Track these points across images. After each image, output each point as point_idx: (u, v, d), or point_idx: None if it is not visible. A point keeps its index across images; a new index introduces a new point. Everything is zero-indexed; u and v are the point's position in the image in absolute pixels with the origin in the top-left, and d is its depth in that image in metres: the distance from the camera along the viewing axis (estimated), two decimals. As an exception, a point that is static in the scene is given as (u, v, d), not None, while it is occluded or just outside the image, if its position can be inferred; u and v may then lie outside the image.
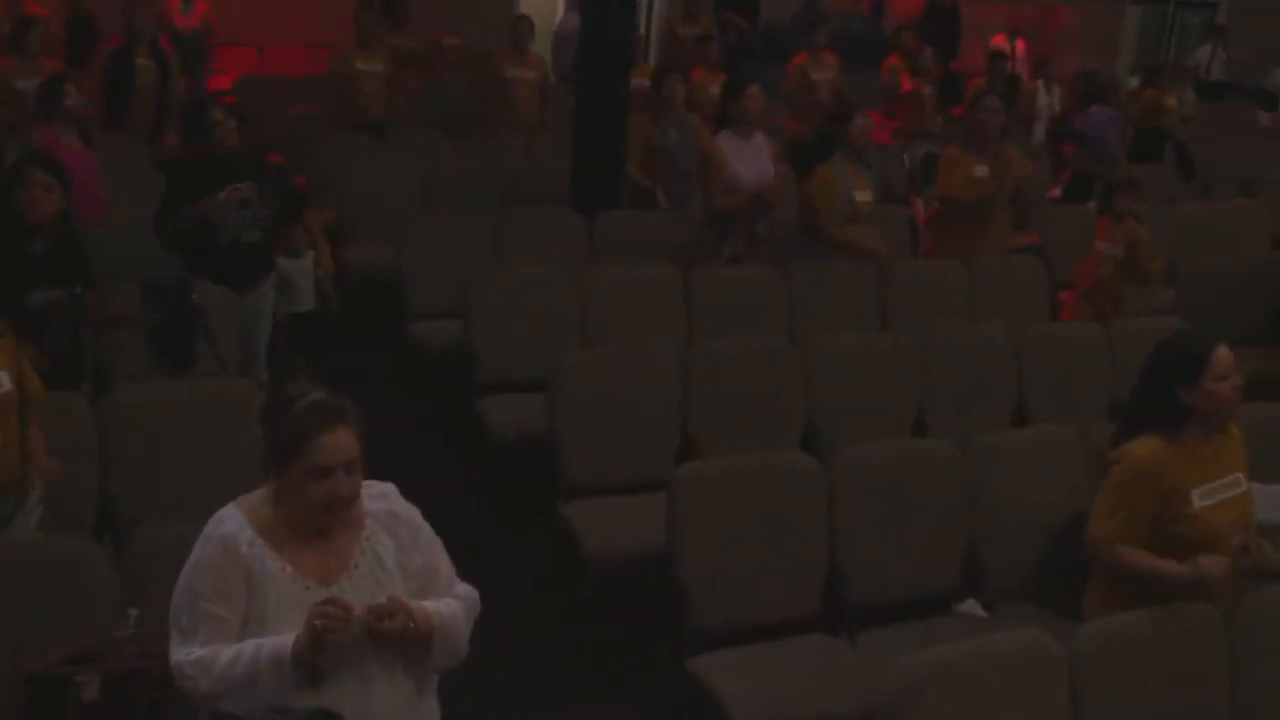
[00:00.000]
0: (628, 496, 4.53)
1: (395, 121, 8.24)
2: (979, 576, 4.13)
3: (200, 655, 2.57)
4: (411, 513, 2.77)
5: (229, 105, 5.60)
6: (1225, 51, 13.98)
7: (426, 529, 2.77)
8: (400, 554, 2.71)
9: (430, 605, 2.66)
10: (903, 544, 4.00)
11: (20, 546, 3.45)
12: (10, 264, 4.35)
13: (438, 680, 2.77)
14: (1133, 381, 5.28)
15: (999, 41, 12.20)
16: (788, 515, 3.91)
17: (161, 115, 7.92)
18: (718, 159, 6.15)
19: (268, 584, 2.61)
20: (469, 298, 5.48)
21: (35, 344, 4.05)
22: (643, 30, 11.66)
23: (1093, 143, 7.81)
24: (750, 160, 6.18)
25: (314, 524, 2.64)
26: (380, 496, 2.75)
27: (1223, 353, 3.29)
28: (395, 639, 2.58)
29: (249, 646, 2.56)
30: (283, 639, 2.55)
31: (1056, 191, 8.00)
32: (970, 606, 4.10)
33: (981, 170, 6.14)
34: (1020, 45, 12.37)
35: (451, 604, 2.72)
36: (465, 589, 2.79)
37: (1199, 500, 3.27)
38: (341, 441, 2.58)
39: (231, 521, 2.65)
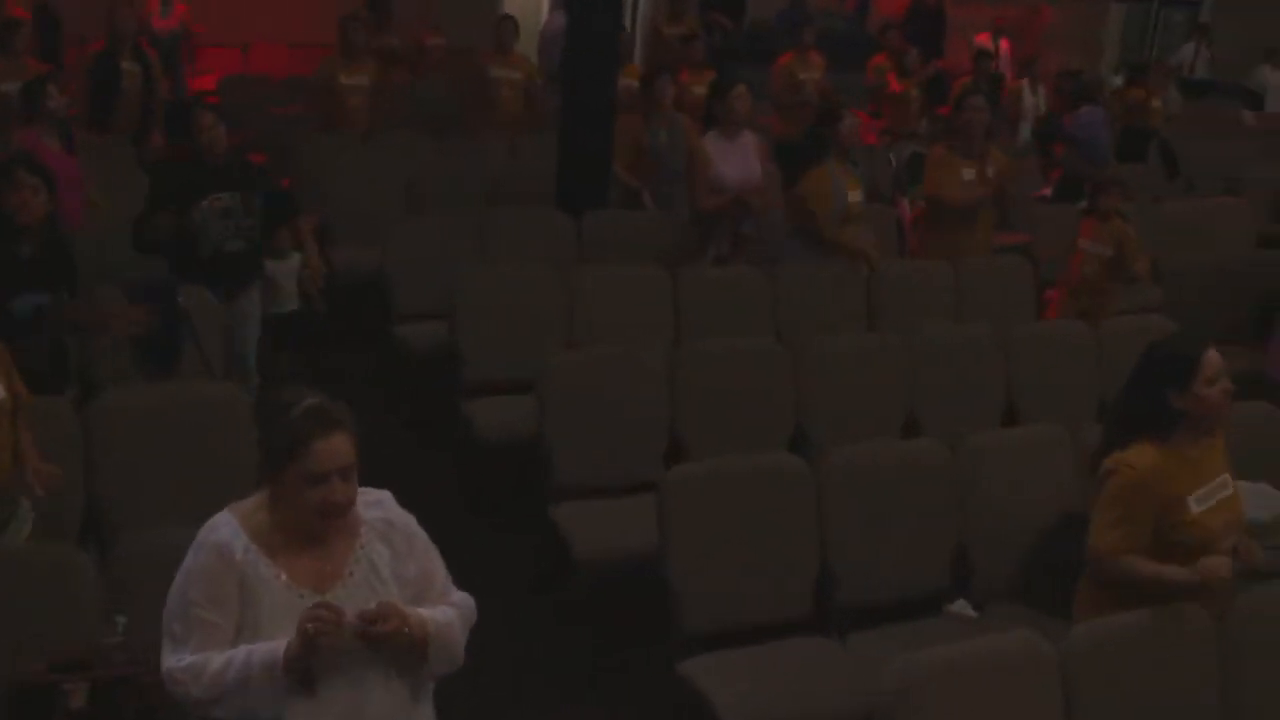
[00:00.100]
0: (616, 498, 4.52)
1: (379, 130, 8.19)
2: (969, 577, 4.13)
3: (192, 661, 2.55)
4: (407, 520, 2.75)
5: (218, 109, 5.54)
6: (1209, 50, 14.04)
7: (422, 536, 2.75)
8: (395, 562, 2.69)
9: (426, 612, 2.65)
10: (892, 545, 4.00)
11: (4, 553, 3.42)
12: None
13: (433, 687, 2.75)
14: (1121, 381, 5.35)
15: (983, 40, 12.24)
16: (777, 517, 3.90)
17: (146, 117, 7.88)
18: (702, 159, 6.16)
19: (261, 591, 2.58)
20: (454, 299, 5.46)
21: (20, 348, 4.01)
22: (627, 30, 11.64)
23: (1084, 144, 7.84)
24: (736, 161, 6.18)
25: (309, 530, 2.62)
26: (376, 504, 2.73)
27: (1212, 356, 3.27)
28: (390, 642, 2.56)
29: (240, 652, 2.54)
30: (275, 644, 2.53)
31: (1047, 191, 8.02)
32: (960, 607, 4.09)
33: (969, 171, 6.17)
34: (1004, 44, 12.41)
35: (447, 611, 2.70)
36: (461, 597, 2.78)
37: (1195, 505, 3.25)
38: (338, 447, 2.57)
39: (226, 527, 2.63)
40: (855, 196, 6.06)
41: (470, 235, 6.36)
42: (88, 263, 4.82)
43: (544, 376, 4.67)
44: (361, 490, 2.67)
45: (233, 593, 2.58)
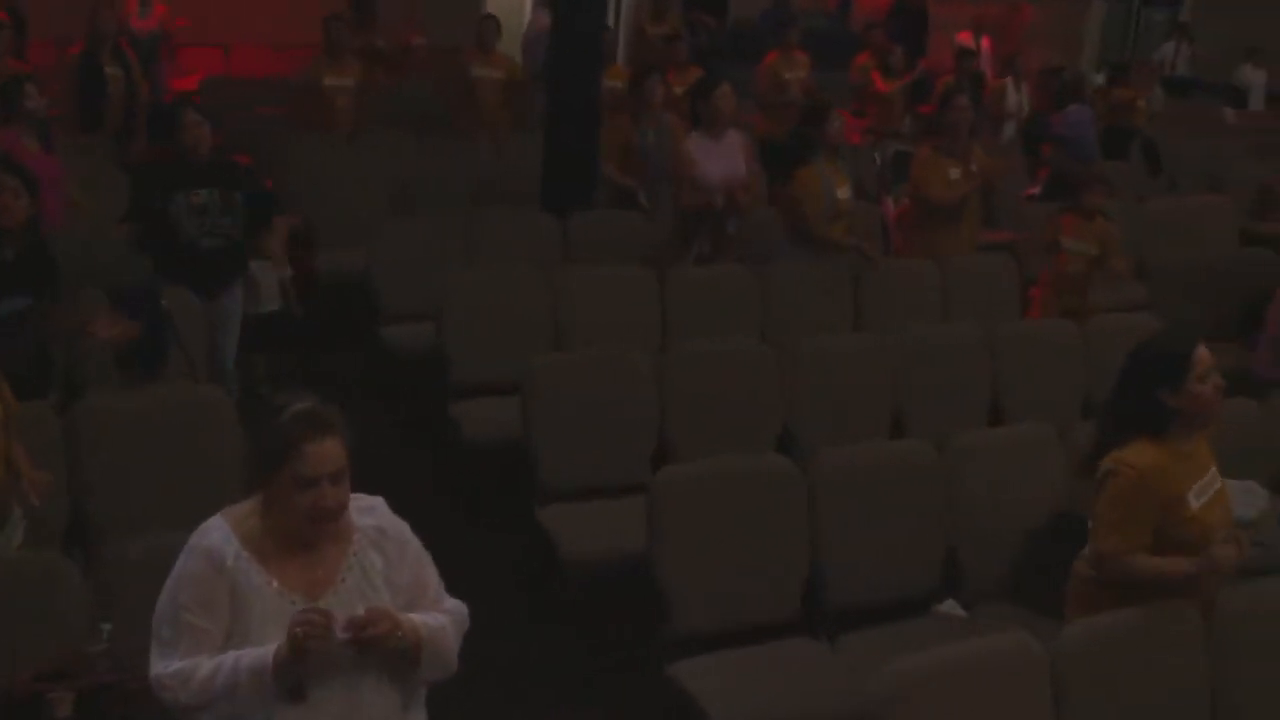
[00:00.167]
0: (604, 500, 4.51)
1: (364, 129, 8.15)
2: (958, 577, 4.13)
3: (180, 667, 2.53)
4: (400, 527, 2.73)
5: (202, 109, 5.51)
6: (1190, 48, 14.10)
7: (415, 543, 2.74)
8: (388, 569, 2.67)
9: (419, 618, 2.63)
10: (882, 545, 4.00)
11: (-12, 561, 3.40)
12: None
13: (425, 693, 2.74)
14: (1108, 380, 5.35)
15: (964, 39, 12.24)
16: (767, 518, 3.90)
17: (130, 119, 7.84)
18: (686, 159, 6.15)
19: (252, 597, 2.57)
20: (441, 300, 5.44)
21: (2, 353, 3.98)
22: (611, 29, 11.63)
23: (1072, 143, 7.86)
24: (720, 160, 6.17)
25: (300, 536, 2.60)
26: (369, 510, 2.71)
27: (1203, 352, 3.27)
28: (381, 645, 2.54)
29: (229, 658, 2.52)
30: (263, 650, 2.51)
31: (1035, 190, 8.03)
32: (949, 607, 4.09)
33: (955, 170, 6.19)
34: (985, 42, 12.42)
35: (440, 618, 2.69)
36: (454, 604, 2.76)
37: (1194, 501, 3.26)
38: (328, 451, 2.54)
39: (217, 533, 2.61)
40: (844, 193, 6.09)
41: (456, 236, 6.34)
42: (73, 263, 4.80)
43: (531, 378, 4.65)
44: (354, 497, 2.65)
45: (223, 599, 2.56)
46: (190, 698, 2.53)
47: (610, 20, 8.82)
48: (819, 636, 3.89)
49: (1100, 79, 12.17)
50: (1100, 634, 3.12)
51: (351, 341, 6.42)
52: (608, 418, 4.68)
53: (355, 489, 2.66)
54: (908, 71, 10.41)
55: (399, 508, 2.79)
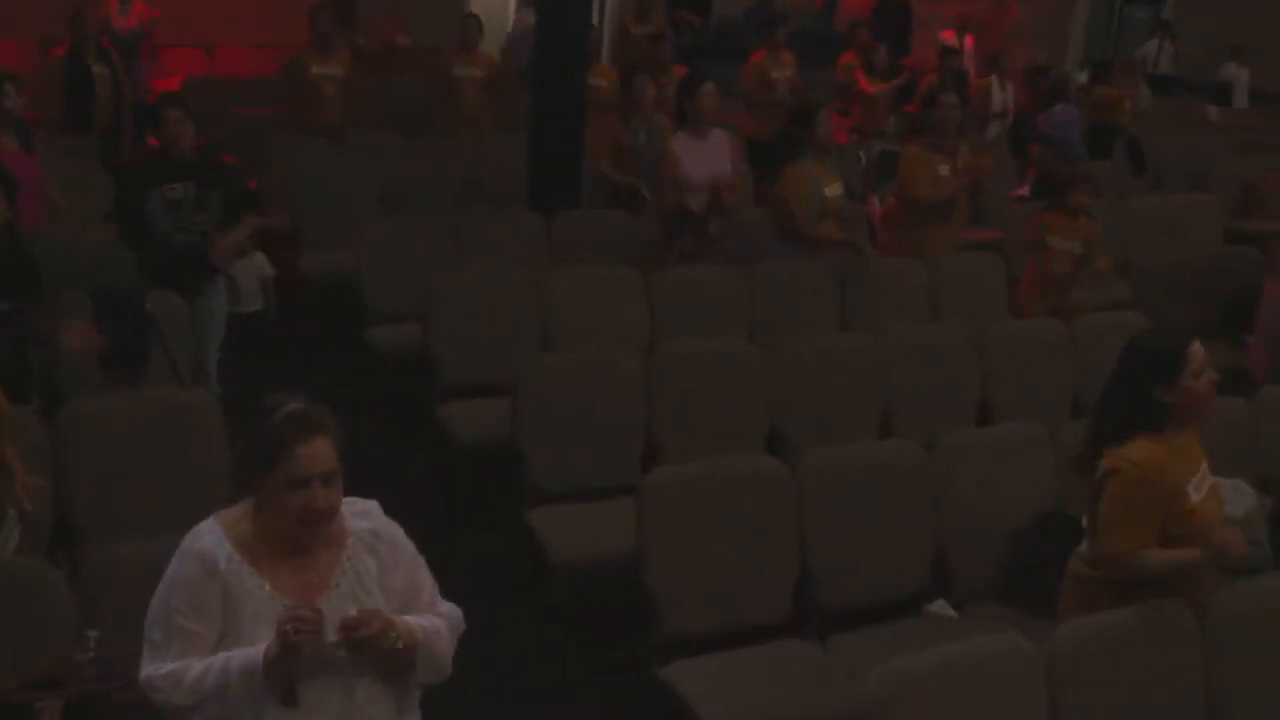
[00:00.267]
0: (593, 502, 4.49)
1: (352, 125, 8.12)
2: (948, 576, 4.12)
3: (172, 668, 2.52)
4: (394, 531, 2.72)
5: (186, 106, 5.48)
6: (1172, 46, 14.14)
7: (409, 547, 2.72)
8: (382, 573, 2.66)
9: (414, 620, 2.62)
10: (872, 546, 3.99)
11: (-28, 568, 3.36)
12: None
13: (419, 696, 2.72)
14: (1096, 379, 5.35)
15: (948, 37, 12.26)
16: (757, 519, 3.88)
17: (118, 118, 7.80)
18: (671, 157, 6.15)
19: (245, 600, 2.55)
20: (428, 301, 5.41)
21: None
22: (595, 28, 11.61)
23: (1059, 142, 7.88)
24: (705, 159, 6.17)
25: (293, 539, 2.58)
26: (362, 514, 2.70)
27: (1197, 349, 3.28)
28: (374, 645, 2.52)
29: (219, 658, 2.51)
30: (254, 650, 2.50)
31: (1024, 191, 8.05)
32: (940, 607, 4.09)
33: (944, 168, 6.19)
34: (969, 40, 12.44)
35: (435, 620, 2.68)
36: (449, 607, 2.75)
37: (1194, 494, 3.27)
38: (319, 452, 2.53)
39: (209, 536, 2.59)
40: (833, 191, 6.11)
41: (443, 237, 6.31)
42: (58, 264, 4.76)
43: (519, 379, 4.64)
44: (348, 500, 2.64)
45: (215, 602, 2.55)
46: (181, 698, 2.51)
47: (594, 19, 8.79)
48: (810, 637, 3.89)
49: (1083, 77, 12.19)
50: (1094, 634, 3.12)
51: (338, 342, 6.38)
52: (597, 418, 4.66)
53: (343, 492, 2.64)
54: (894, 74, 10.41)
55: (387, 510, 2.77)
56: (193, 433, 4.08)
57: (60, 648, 2.99)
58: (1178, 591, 3.26)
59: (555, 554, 4.26)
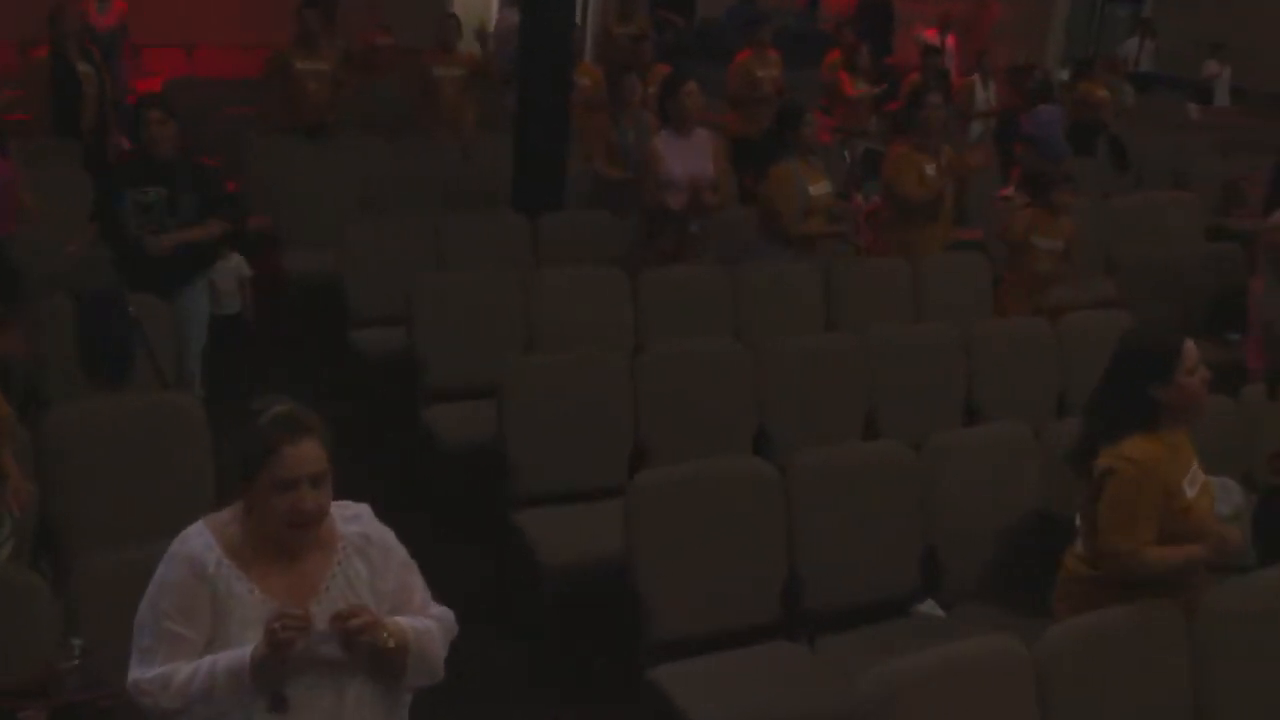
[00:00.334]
0: (580, 504, 4.48)
1: (336, 122, 8.07)
2: (936, 577, 4.12)
3: (160, 672, 2.50)
4: (385, 535, 2.70)
5: (169, 107, 5.43)
6: (1153, 43, 14.18)
7: (400, 551, 2.70)
8: (373, 577, 2.64)
9: (405, 621, 2.60)
10: (860, 547, 3.99)
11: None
12: None
13: (410, 700, 2.70)
14: (1081, 377, 5.36)
15: (930, 36, 12.28)
16: (745, 521, 3.87)
17: (105, 118, 7.74)
18: (653, 156, 6.15)
19: (234, 604, 2.53)
20: (412, 303, 5.38)
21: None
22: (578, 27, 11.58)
23: (1042, 142, 7.89)
24: (687, 158, 6.16)
25: (282, 542, 2.56)
26: (353, 518, 2.68)
27: (1190, 346, 3.30)
28: (365, 637, 2.50)
29: (206, 661, 2.49)
30: (240, 651, 2.48)
31: (1009, 191, 8.05)
32: (929, 607, 4.09)
33: (930, 168, 6.20)
34: (950, 39, 12.46)
35: (427, 622, 2.66)
36: (441, 610, 2.73)
37: (1189, 490, 3.28)
38: (307, 453, 2.51)
39: (198, 539, 2.57)
40: (820, 190, 6.12)
41: (427, 238, 6.28)
42: (42, 267, 4.72)
43: (504, 381, 4.61)
44: (339, 504, 2.62)
45: (204, 606, 2.53)
46: (169, 702, 2.49)
47: (577, 18, 8.77)
48: (799, 639, 3.88)
49: (1064, 76, 12.21)
50: (1084, 634, 3.12)
51: (321, 344, 6.35)
52: (583, 420, 4.64)
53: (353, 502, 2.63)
54: (877, 74, 10.40)
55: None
56: (177, 437, 4.05)
57: (44, 656, 2.96)
58: (1177, 589, 3.26)
59: (543, 557, 4.24)
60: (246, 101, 9.03)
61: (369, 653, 2.53)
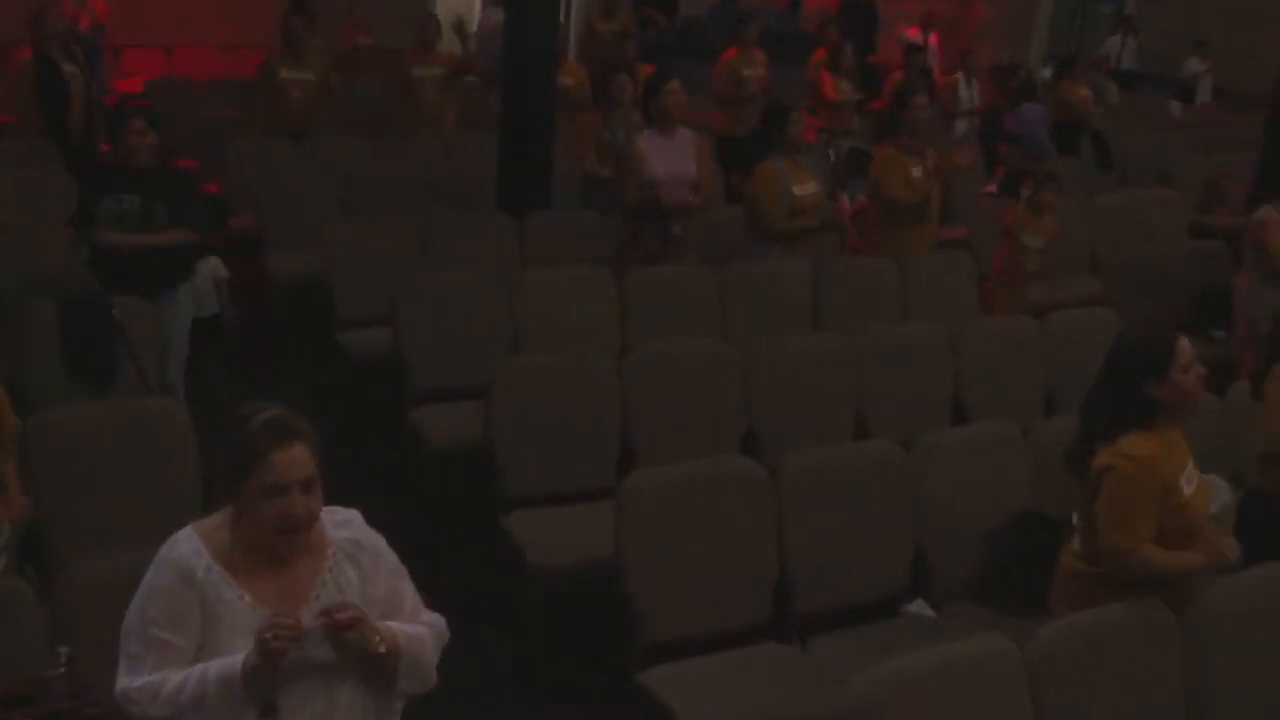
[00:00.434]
0: (570, 505, 4.46)
1: (319, 129, 8.03)
2: (925, 577, 4.12)
3: (148, 680, 2.48)
4: (375, 540, 2.68)
5: (151, 114, 5.40)
6: (1135, 41, 14.23)
7: (391, 557, 2.69)
8: (364, 583, 2.62)
9: (396, 626, 2.58)
10: (851, 547, 3.98)
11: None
12: None
13: (401, 708, 2.69)
14: (1068, 376, 5.38)
15: (913, 34, 12.29)
16: (735, 522, 3.86)
17: (92, 118, 7.69)
18: (635, 155, 6.14)
19: (224, 611, 2.50)
20: (398, 304, 5.35)
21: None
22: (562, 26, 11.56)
23: (1026, 141, 7.92)
24: (669, 158, 6.15)
25: (272, 549, 2.54)
26: (344, 524, 2.66)
27: (1185, 343, 3.32)
28: (357, 645, 2.48)
29: (196, 669, 2.47)
30: (231, 659, 2.46)
31: (992, 188, 8.09)
32: (918, 607, 4.08)
33: (917, 170, 6.20)
34: (933, 38, 12.47)
35: (419, 628, 2.64)
36: (432, 617, 2.71)
37: (1185, 489, 3.29)
38: (297, 458, 2.49)
39: (187, 545, 2.54)
40: (807, 189, 6.12)
41: (411, 238, 6.26)
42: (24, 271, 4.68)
43: (492, 382, 4.59)
44: (329, 509, 2.60)
45: (194, 613, 2.50)
46: (158, 711, 2.47)
47: (560, 17, 8.75)
48: (790, 640, 3.87)
49: (1046, 74, 12.25)
50: (1076, 634, 3.12)
51: (307, 345, 6.31)
52: (571, 421, 4.62)
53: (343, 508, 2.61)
54: (862, 77, 10.39)
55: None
56: (163, 442, 4.01)
57: (30, 664, 2.92)
58: (1175, 587, 3.28)
59: (532, 559, 4.22)
60: (227, 103, 8.99)
61: (360, 656, 2.51)
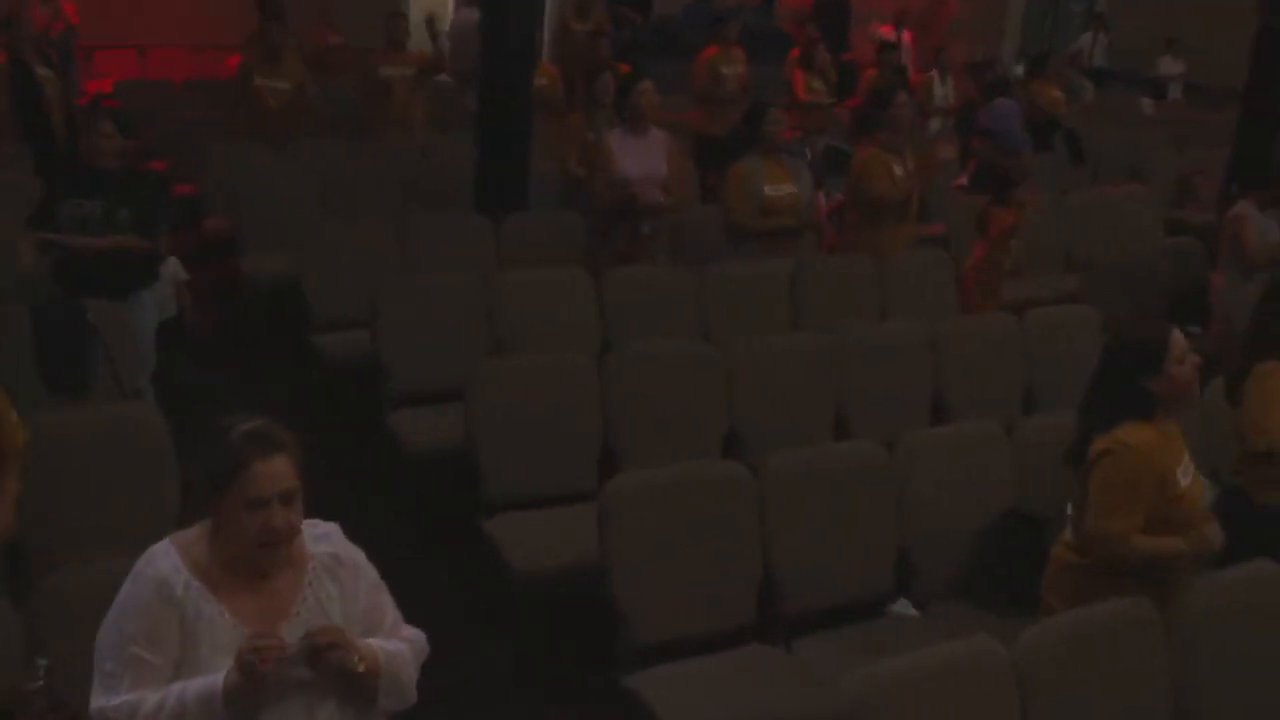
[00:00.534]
0: (551, 508, 4.43)
1: (298, 133, 7.96)
2: (909, 577, 4.11)
3: (126, 699, 2.44)
4: (355, 555, 2.65)
5: (122, 117, 5.33)
6: (1106, 38, 14.31)
7: (370, 572, 2.66)
8: (343, 598, 2.59)
9: (376, 643, 2.55)
10: (835, 548, 3.96)
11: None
12: None
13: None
14: (1048, 373, 5.39)
15: (886, 32, 12.30)
16: (719, 524, 3.84)
17: (73, 121, 7.62)
18: (605, 154, 6.12)
19: (203, 628, 2.47)
20: (376, 306, 5.31)
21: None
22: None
23: (999, 135, 7.95)
24: (640, 158, 6.14)
25: (252, 562, 2.51)
26: (323, 538, 2.63)
27: (1178, 335, 3.36)
28: (334, 655, 2.46)
29: (176, 687, 2.44)
30: (211, 678, 2.43)
31: (963, 181, 8.11)
32: (902, 607, 4.08)
33: (899, 167, 6.20)
34: (906, 35, 12.49)
35: (399, 645, 2.62)
36: (412, 632, 2.69)
37: (1182, 479, 3.31)
38: (278, 470, 2.46)
39: (165, 560, 2.50)
40: (781, 189, 6.12)
41: (388, 240, 6.21)
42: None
43: (471, 385, 4.56)
44: (308, 522, 2.57)
45: (172, 630, 2.46)
46: None
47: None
48: (775, 642, 3.85)
49: (1019, 71, 12.30)
50: (1063, 634, 3.11)
51: (282, 349, 6.26)
52: (551, 423, 4.59)
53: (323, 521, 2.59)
54: (837, 75, 10.38)
55: (339, 521, 2.72)
56: (139, 450, 3.96)
57: (8, 677, 2.87)
58: (1164, 577, 3.30)
59: (514, 563, 4.19)
60: (200, 104, 8.91)
61: (339, 675, 2.48)
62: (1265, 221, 6.24)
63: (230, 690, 2.40)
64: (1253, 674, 3.31)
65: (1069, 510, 3.48)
